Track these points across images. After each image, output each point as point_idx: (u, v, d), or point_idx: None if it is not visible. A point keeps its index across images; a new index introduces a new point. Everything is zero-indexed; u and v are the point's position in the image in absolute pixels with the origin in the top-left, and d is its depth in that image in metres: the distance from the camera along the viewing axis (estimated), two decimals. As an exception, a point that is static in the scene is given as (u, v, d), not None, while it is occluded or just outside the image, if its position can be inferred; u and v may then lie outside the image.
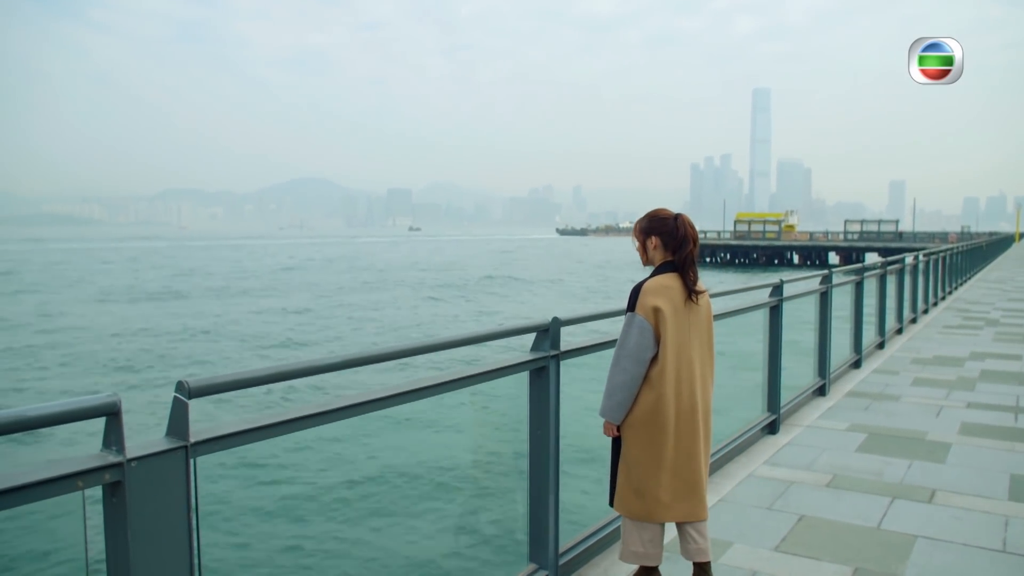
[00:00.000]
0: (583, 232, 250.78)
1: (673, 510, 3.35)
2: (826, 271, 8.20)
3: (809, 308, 8.09)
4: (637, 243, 3.47)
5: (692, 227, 3.37)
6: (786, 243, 74.19)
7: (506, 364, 3.33)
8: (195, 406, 2.03)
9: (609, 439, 3.45)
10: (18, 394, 17.05)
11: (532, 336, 3.55)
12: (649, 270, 3.45)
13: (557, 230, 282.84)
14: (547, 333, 3.52)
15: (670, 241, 3.35)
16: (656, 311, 3.24)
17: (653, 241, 3.39)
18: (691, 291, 3.33)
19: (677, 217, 3.39)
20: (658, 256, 3.39)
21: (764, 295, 6.62)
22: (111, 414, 1.86)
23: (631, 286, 3.39)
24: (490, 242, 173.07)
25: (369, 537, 7.93)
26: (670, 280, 3.31)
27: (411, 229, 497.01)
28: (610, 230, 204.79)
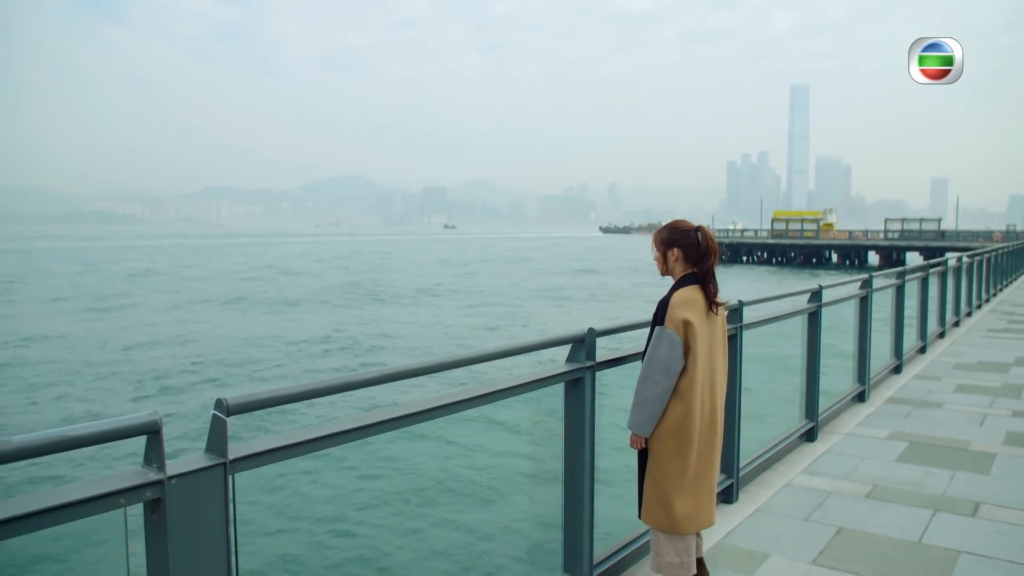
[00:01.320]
0: (626, 230, 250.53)
1: (696, 520, 3.38)
2: (866, 275, 8.05)
3: (848, 310, 7.96)
4: (656, 253, 3.49)
5: (713, 239, 3.40)
6: (824, 242, 73.12)
7: (541, 376, 3.32)
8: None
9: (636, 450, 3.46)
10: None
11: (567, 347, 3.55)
12: (664, 279, 3.50)
13: (600, 228, 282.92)
14: (582, 344, 3.52)
15: (692, 254, 3.38)
16: (686, 324, 3.25)
17: (675, 253, 3.41)
18: (712, 303, 3.37)
19: (699, 229, 3.42)
20: (678, 268, 3.42)
21: (803, 301, 6.53)
22: (152, 432, 1.89)
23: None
24: (541, 240, 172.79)
25: (403, 548, 7.97)
26: (694, 293, 3.33)
27: (446, 227, 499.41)
28: (653, 228, 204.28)
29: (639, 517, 3.47)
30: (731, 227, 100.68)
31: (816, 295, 6.58)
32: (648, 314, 3.60)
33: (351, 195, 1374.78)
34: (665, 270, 3.47)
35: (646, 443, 3.36)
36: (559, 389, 3.50)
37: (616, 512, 4.23)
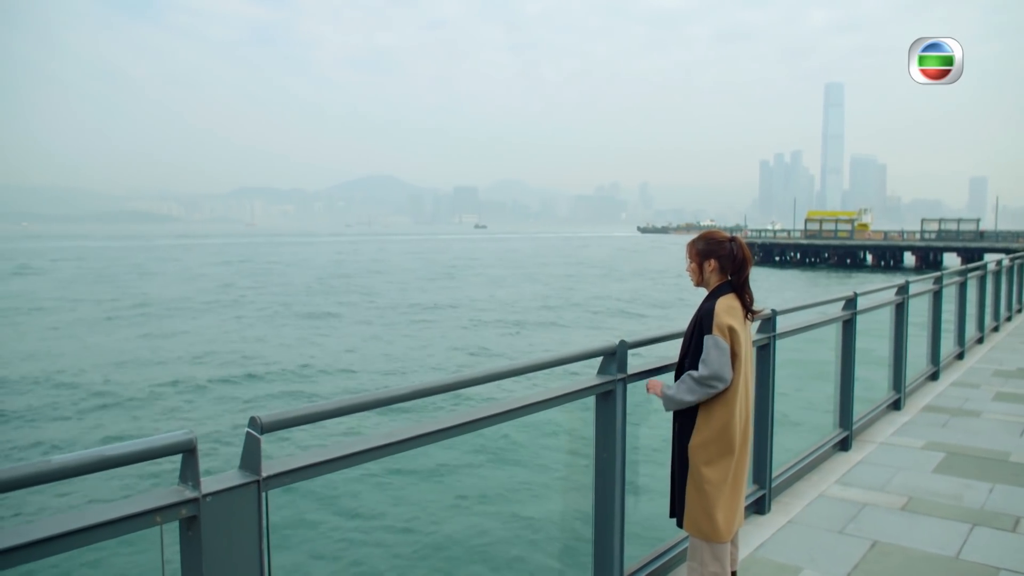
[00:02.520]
0: (664, 230, 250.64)
1: (735, 525, 3.46)
2: (902, 281, 7.92)
3: (884, 315, 7.83)
4: (692, 264, 3.53)
5: (747, 249, 3.47)
6: (859, 243, 72.04)
7: (572, 390, 3.32)
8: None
9: (670, 460, 3.52)
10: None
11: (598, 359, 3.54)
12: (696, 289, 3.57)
13: (639, 228, 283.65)
14: (614, 356, 3.50)
15: (728, 264, 3.44)
16: (732, 331, 3.33)
17: (711, 264, 3.46)
18: (749, 311, 3.45)
19: (733, 240, 3.47)
20: (714, 278, 3.47)
21: (837, 309, 6.44)
22: (187, 451, 1.92)
23: None
24: (585, 240, 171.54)
25: (435, 556, 7.99)
26: (734, 301, 3.41)
27: (477, 227, 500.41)
28: (691, 228, 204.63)
29: (679, 526, 3.48)
30: (769, 227, 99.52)
31: (851, 302, 6.49)
32: (680, 326, 3.59)
33: (382, 195, 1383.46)
34: (700, 280, 3.52)
35: (687, 452, 3.40)
36: (591, 401, 3.49)
37: (648, 523, 4.20)
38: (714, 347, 3.28)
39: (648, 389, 3.56)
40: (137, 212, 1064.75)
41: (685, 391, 3.32)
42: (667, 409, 3.45)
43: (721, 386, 3.28)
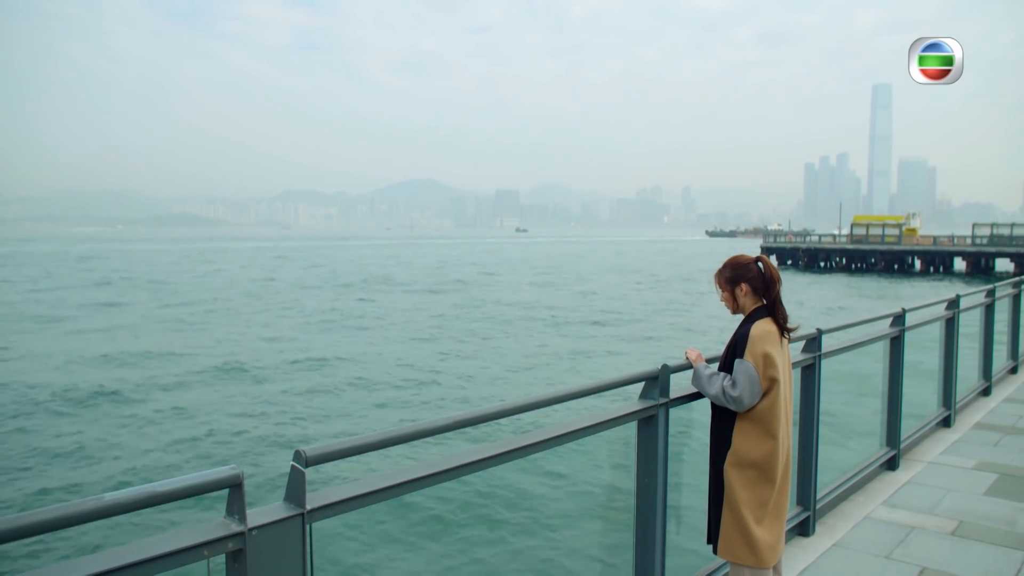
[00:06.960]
0: (732, 234, 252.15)
1: (776, 551, 3.39)
2: (952, 295, 7.72)
3: (933, 328, 7.63)
4: (723, 292, 3.50)
5: (774, 267, 3.45)
6: (907, 248, 70.35)
7: (614, 416, 3.30)
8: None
9: (707, 486, 3.48)
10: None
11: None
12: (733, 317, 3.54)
13: (707, 232, 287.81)
14: (656, 381, 3.48)
15: (759, 285, 3.42)
16: (766, 357, 3.29)
17: (743, 289, 3.44)
18: (784, 330, 3.42)
19: (759, 259, 3.47)
20: (748, 302, 3.45)
21: (885, 325, 6.31)
22: (234, 486, 1.95)
23: None
24: (663, 245, 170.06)
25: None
26: (770, 325, 3.38)
27: (518, 230, 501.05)
28: (758, 231, 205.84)
29: (715, 552, 3.44)
30: (836, 232, 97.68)
31: (899, 319, 6.36)
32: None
33: (424, 198, 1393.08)
34: (736, 308, 3.50)
35: (722, 473, 3.38)
36: (632, 426, 3.48)
37: (690, 549, 4.16)
38: (743, 373, 3.27)
39: (687, 353, 3.56)
40: (186, 215, 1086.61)
41: (713, 386, 3.34)
42: (692, 382, 3.50)
43: (738, 409, 3.30)
